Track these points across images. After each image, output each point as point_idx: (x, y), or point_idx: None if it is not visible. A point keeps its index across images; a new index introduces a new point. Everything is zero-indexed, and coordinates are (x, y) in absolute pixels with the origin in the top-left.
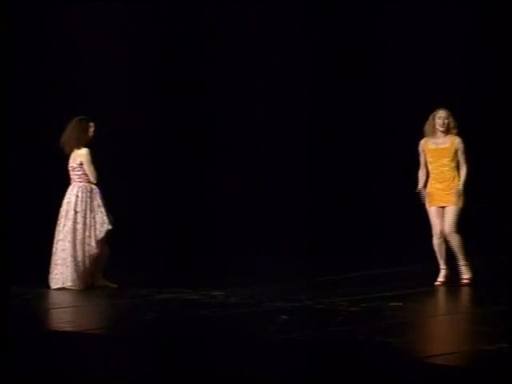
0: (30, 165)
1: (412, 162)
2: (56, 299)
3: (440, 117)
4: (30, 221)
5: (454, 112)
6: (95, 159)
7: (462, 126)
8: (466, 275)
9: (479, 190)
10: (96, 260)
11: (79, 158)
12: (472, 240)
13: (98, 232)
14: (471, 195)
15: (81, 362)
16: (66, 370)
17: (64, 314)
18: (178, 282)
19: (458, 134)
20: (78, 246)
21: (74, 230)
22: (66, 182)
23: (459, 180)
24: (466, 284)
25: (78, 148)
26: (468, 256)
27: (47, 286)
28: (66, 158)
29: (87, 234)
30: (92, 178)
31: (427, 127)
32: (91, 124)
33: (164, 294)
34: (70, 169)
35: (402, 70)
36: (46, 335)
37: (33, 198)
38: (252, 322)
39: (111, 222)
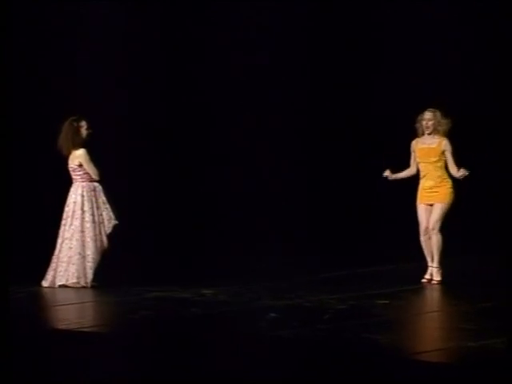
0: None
1: (407, 161)
2: (46, 298)
3: (424, 119)
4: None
5: (447, 112)
6: (94, 157)
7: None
8: (436, 277)
9: (467, 191)
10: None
11: (77, 159)
12: (456, 240)
13: (106, 228)
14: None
15: (70, 360)
16: (54, 368)
17: (55, 313)
18: (169, 280)
19: (447, 134)
20: (90, 244)
21: (83, 229)
22: (54, 182)
23: (447, 179)
24: (437, 284)
25: (75, 149)
26: (443, 259)
27: (39, 284)
28: (64, 159)
29: (97, 231)
30: (94, 176)
31: (418, 128)
32: (83, 124)
33: (154, 293)
34: (70, 169)
35: (399, 70)
36: (35, 334)
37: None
38: (241, 320)
39: (117, 217)
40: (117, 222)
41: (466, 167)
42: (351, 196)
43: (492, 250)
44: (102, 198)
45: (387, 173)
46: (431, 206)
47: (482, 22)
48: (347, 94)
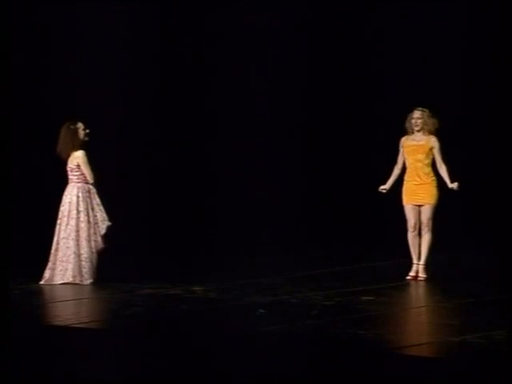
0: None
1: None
2: (37, 295)
3: (413, 117)
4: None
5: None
6: (92, 161)
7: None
8: (423, 274)
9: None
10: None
11: (76, 159)
12: (441, 236)
13: (100, 229)
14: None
15: (60, 355)
16: (50, 363)
17: (49, 309)
18: (161, 277)
19: (435, 133)
20: (84, 243)
21: (78, 229)
22: (53, 182)
23: (433, 177)
24: (422, 280)
25: (74, 151)
26: (429, 257)
27: (36, 282)
28: (63, 162)
29: (92, 231)
30: (89, 178)
31: (407, 126)
32: (79, 125)
33: (146, 289)
34: (68, 169)
35: (399, 70)
36: (25, 329)
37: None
38: (230, 316)
39: (110, 218)
40: (110, 224)
41: (465, 166)
42: (330, 192)
43: (484, 248)
44: (96, 200)
45: (383, 189)
46: (418, 206)
47: (482, 22)
48: (347, 94)
